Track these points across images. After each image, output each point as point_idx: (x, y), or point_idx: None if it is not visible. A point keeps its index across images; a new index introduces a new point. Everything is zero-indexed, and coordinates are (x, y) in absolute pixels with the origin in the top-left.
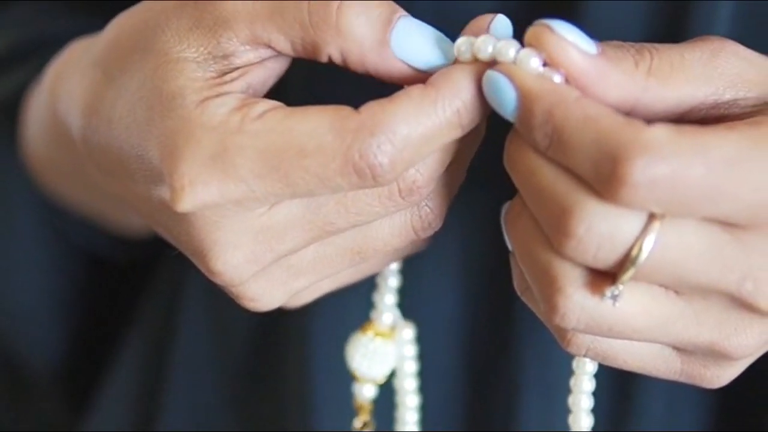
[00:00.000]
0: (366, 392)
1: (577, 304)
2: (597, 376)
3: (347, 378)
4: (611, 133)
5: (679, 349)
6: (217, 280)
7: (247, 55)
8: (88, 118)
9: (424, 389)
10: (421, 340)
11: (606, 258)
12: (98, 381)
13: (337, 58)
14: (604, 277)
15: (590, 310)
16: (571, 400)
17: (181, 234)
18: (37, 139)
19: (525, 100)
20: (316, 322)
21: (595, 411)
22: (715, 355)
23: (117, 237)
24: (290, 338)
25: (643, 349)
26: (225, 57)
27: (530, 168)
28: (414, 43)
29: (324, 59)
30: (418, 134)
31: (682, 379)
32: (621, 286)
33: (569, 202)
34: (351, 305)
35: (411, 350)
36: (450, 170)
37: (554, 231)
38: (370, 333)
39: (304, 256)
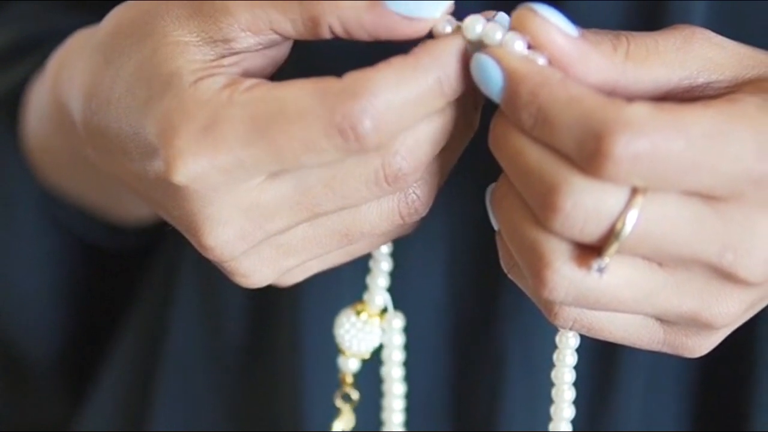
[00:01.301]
0: (350, 365)
1: (565, 278)
2: (578, 351)
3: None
4: (594, 111)
5: (662, 319)
6: (209, 256)
7: (247, 40)
8: (89, 101)
9: (409, 365)
10: (407, 317)
11: (592, 232)
12: (95, 371)
13: (338, 29)
14: (590, 250)
15: (578, 282)
16: (554, 374)
17: (175, 209)
18: (38, 130)
19: (511, 81)
20: (308, 302)
21: (576, 385)
22: (697, 324)
23: (112, 226)
24: (282, 321)
25: (628, 320)
26: (225, 41)
27: (516, 148)
28: None
29: (326, 33)
30: (399, 98)
31: (665, 349)
32: (607, 259)
33: (556, 179)
34: (343, 288)
35: (399, 339)
36: (439, 160)
37: (542, 207)
38: (358, 308)
39: (294, 236)
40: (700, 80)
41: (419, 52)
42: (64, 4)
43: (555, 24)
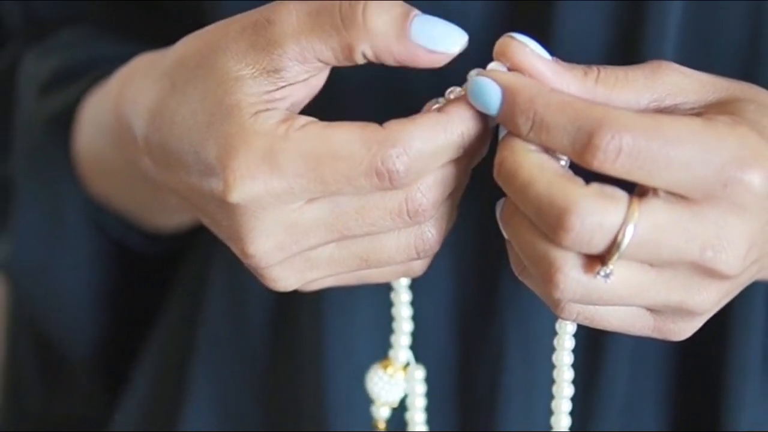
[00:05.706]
0: (382, 413)
1: (573, 281)
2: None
3: (357, 360)
4: (584, 112)
5: (653, 309)
6: (249, 262)
7: (295, 68)
8: (152, 119)
9: (415, 348)
10: (414, 301)
11: (598, 245)
12: (132, 366)
13: (370, 55)
14: (594, 257)
15: (585, 284)
16: (555, 356)
17: (223, 220)
18: (92, 143)
19: (509, 93)
20: (329, 311)
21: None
22: (681, 312)
23: (150, 233)
24: (304, 314)
25: (623, 311)
26: (276, 71)
27: (525, 181)
28: (429, 31)
29: (359, 58)
30: (429, 150)
31: (655, 334)
32: (611, 266)
33: (564, 203)
34: (360, 299)
35: (421, 389)
36: (448, 206)
37: (553, 228)
38: (385, 364)
39: (322, 253)
40: (668, 102)
41: (449, 111)
42: (105, 32)
43: (532, 48)
